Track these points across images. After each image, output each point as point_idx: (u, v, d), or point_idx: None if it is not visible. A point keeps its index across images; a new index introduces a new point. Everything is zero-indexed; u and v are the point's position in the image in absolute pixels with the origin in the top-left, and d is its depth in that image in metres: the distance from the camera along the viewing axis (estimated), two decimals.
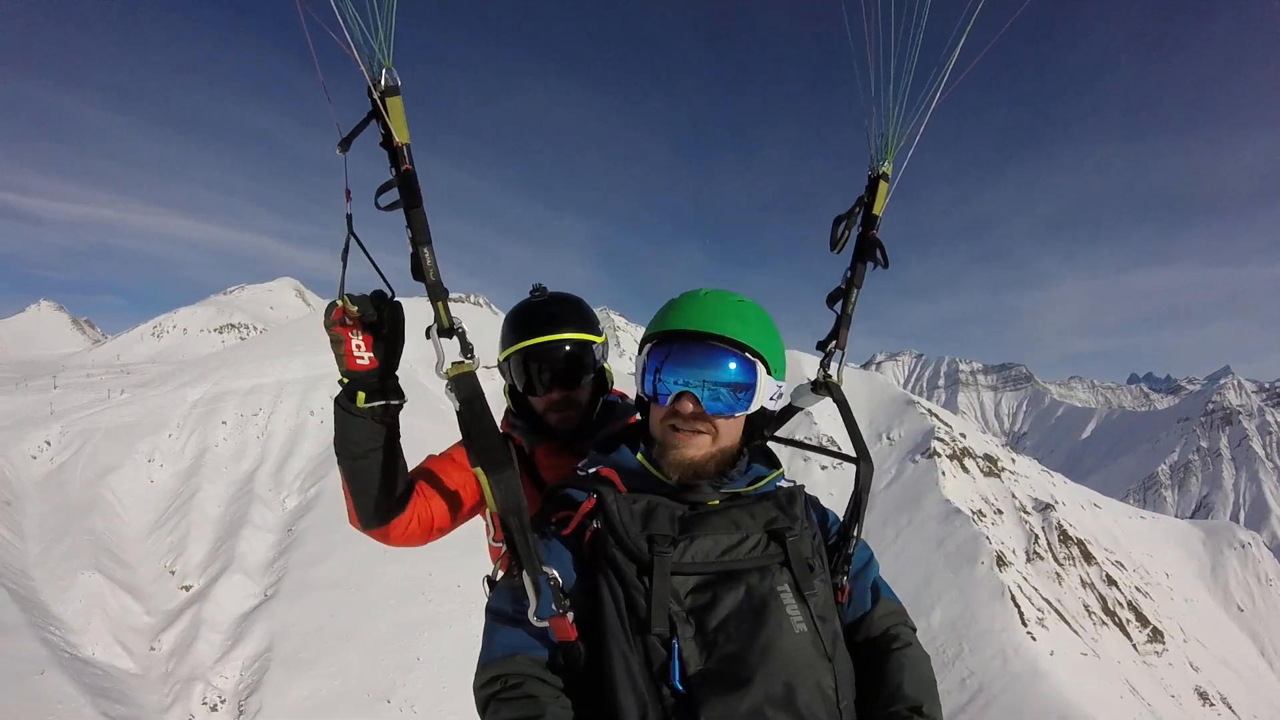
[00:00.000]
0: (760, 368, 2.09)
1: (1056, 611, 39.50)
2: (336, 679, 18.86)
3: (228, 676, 19.38)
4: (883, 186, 2.69)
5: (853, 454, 2.44)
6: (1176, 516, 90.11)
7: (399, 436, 2.39)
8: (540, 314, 2.92)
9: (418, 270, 2.11)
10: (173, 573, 23.06)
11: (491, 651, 1.87)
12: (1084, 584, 45.79)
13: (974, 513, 46.45)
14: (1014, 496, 51.06)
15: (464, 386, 2.11)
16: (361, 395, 2.21)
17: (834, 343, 2.69)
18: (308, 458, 29.45)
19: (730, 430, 2.14)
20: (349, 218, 2.09)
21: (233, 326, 59.71)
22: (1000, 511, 48.66)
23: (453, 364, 2.12)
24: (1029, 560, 44.69)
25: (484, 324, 54.86)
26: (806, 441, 2.83)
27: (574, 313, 2.94)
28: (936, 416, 58.10)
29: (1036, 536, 47.13)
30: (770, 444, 2.48)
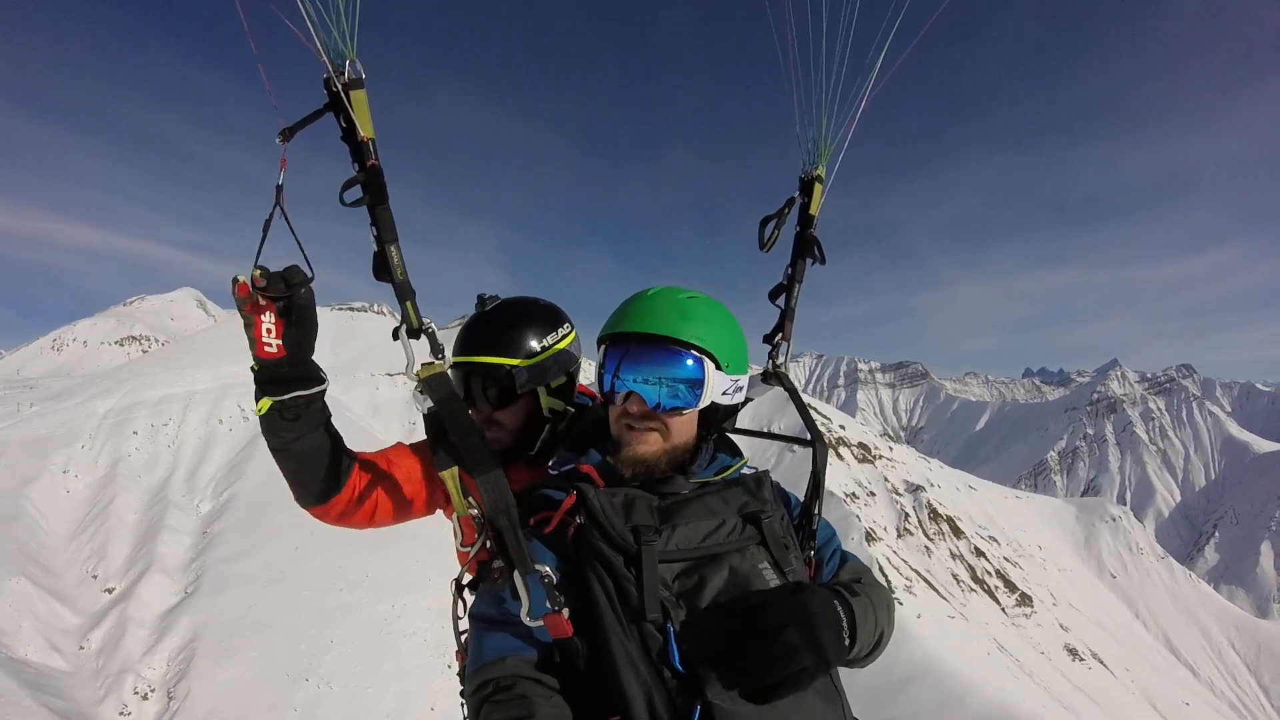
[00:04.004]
0: (709, 364, 2.12)
1: (925, 580, 41.88)
2: (258, 664, 20.02)
3: (155, 668, 20.36)
4: (818, 188, 2.86)
5: (807, 438, 2.52)
6: (1066, 499, 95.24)
7: (323, 423, 2.30)
8: (471, 332, 2.86)
9: (382, 269, 2.08)
10: (95, 577, 23.65)
11: (481, 656, 1.88)
12: (953, 556, 48.53)
13: (846, 495, 49.09)
14: (886, 480, 53.74)
15: (438, 387, 2.10)
16: (263, 404, 2.16)
17: (780, 335, 2.84)
18: (218, 464, 29.77)
19: (681, 427, 2.19)
20: (279, 188, 2.02)
21: (134, 338, 57.94)
22: (873, 494, 51.25)
23: (423, 365, 2.11)
24: (899, 536, 47.26)
25: (389, 332, 55.10)
26: (762, 430, 2.95)
27: (501, 334, 2.82)
28: (816, 410, 60.99)
29: (907, 515, 49.78)
30: (729, 434, 2.54)
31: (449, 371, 2.22)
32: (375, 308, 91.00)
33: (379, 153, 2.05)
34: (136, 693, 19.79)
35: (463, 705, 2.42)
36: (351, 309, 61.23)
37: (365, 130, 2.01)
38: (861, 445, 58.50)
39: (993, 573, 50.62)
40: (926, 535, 49.30)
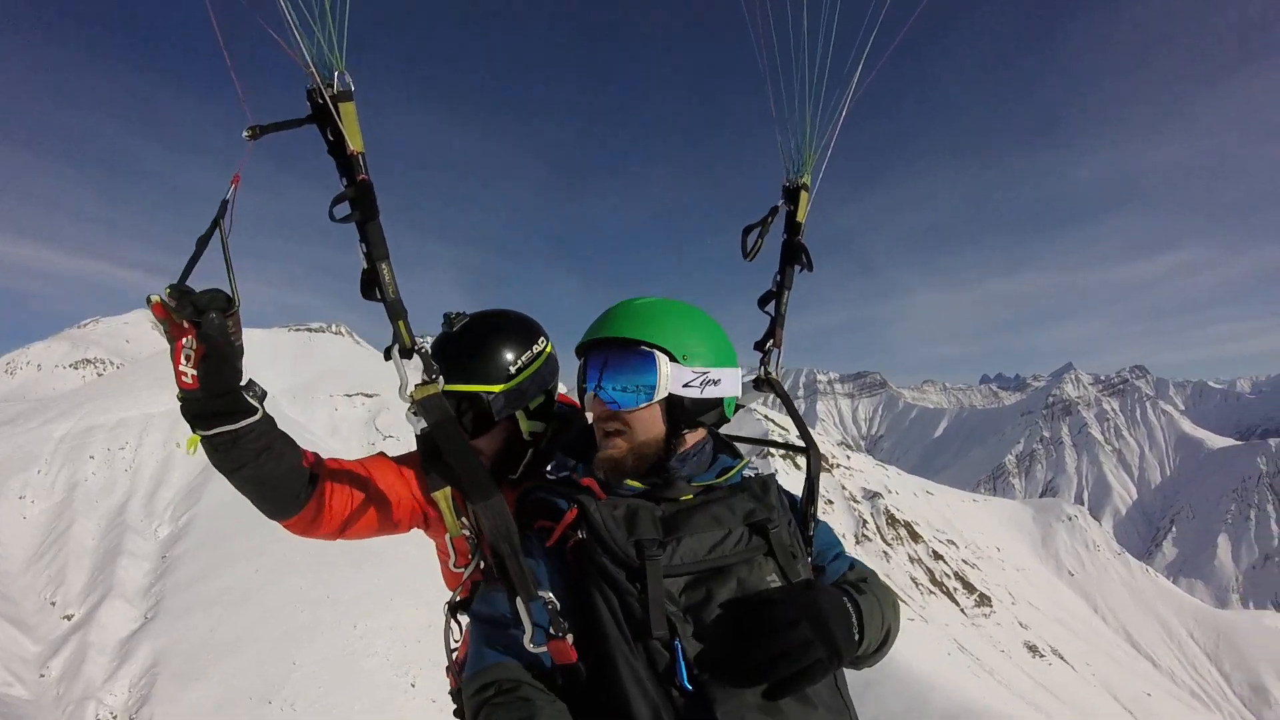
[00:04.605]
0: (660, 357, 2.13)
1: None
2: (220, 687, 19.76)
3: (117, 694, 20.03)
4: (804, 195, 2.86)
5: (801, 444, 2.53)
6: (1024, 500, 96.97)
7: (263, 450, 2.18)
8: (438, 356, 2.70)
9: (371, 287, 2.04)
10: (54, 604, 23.33)
11: (483, 659, 1.85)
12: (912, 560, 49.48)
13: None
14: (844, 488, 54.57)
15: (433, 409, 2.04)
16: (190, 440, 2.10)
17: (771, 341, 2.83)
18: (176, 488, 29.35)
19: (644, 424, 2.16)
20: (224, 203, 1.94)
21: (89, 361, 56.81)
22: (830, 501, 52.05)
23: (417, 385, 2.06)
24: (858, 542, 48.17)
25: (347, 353, 55.03)
26: (755, 437, 2.80)
27: (471, 357, 2.68)
28: (772, 421, 61.30)
29: (865, 521, 50.75)
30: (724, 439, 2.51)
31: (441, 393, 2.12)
32: (333, 328, 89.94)
33: (368, 167, 1.98)
34: (98, 719, 19.56)
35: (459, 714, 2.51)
36: (309, 329, 60.67)
37: (355, 144, 1.96)
38: (794, 437, 59.16)
39: (951, 575, 51.38)
40: (885, 540, 49.98)
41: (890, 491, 58.00)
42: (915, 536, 52.57)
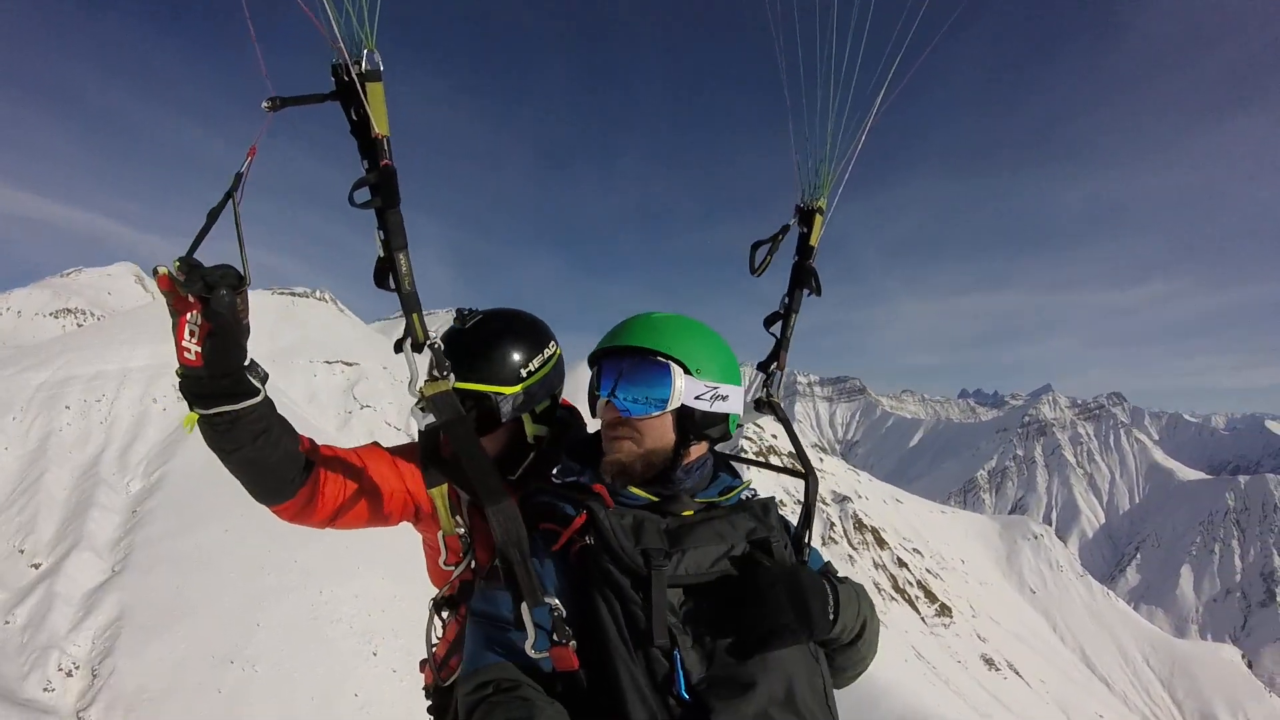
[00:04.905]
0: (675, 369, 2.15)
1: None
2: (184, 643, 19.86)
3: (80, 645, 20.13)
4: (819, 219, 2.84)
5: (799, 468, 2.50)
6: (992, 515, 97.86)
7: (261, 433, 2.09)
8: (449, 352, 2.53)
9: (386, 276, 1.98)
10: (22, 551, 23.34)
11: (482, 658, 1.86)
12: (876, 565, 49.78)
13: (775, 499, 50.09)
14: None
15: (444, 406, 2.01)
16: (189, 417, 2.01)
17: (774, 364, 2.87)
18: (151, 443, 29.09)
19: (655, 432, 2.18)
20: (239, 175, 1.83)
21: (69, 311, 56.34)
22: (800, 501, 52.12)
23: (427, 381, 2.03)
24: (824, 544, 48.28)
25: (329, 320, 54.60)
26: (755, 458, 2.77)
27: (484, 356, 2.63)
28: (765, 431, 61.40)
29: (833, 524, 50.89)
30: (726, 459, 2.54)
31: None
32: (316, 294, 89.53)
33: (393, 152, 1.91)
34: (61, 669, 19.64)
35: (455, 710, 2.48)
36: (293, 294, 60.20)
37: (381, 127, 1.89)
38: (791, 455, 59.03)
39: (914, 583, 51.80)
40: (851, 544, 50.23)
41: (860, 496, 58.36)
42: (881, 543, 52.94)
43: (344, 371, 46.18)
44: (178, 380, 1.95)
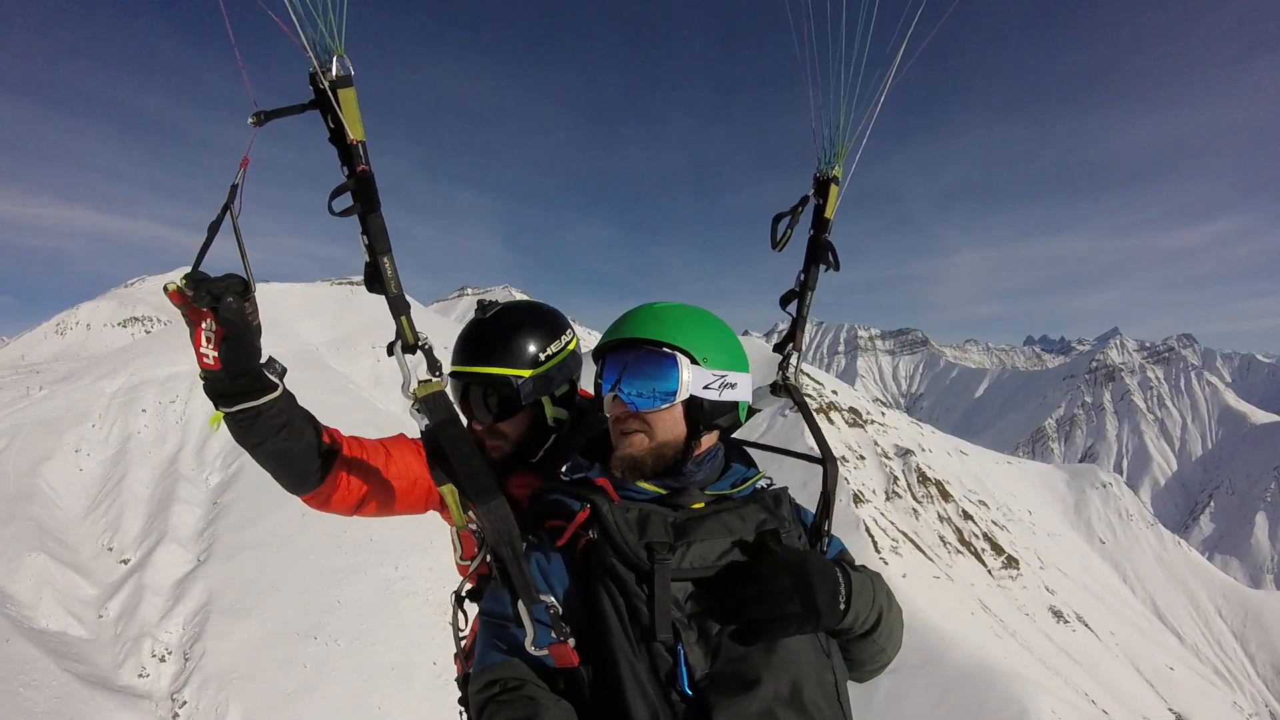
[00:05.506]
0: (681, 359, 2.11)
1: (912, 541, 42.40)
2: (269, 623, 20.90)
3: (171, 631, 21.22)
4: (834, 190, 2.69)
5: (818, 454, 2.44)
6: (1058, 464, 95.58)
7: (283, 426, 2.26)
8: (471, 340, 2.75)
9: (375, 281, 1.99)
10: (110, 549, 24.50)
11: (489, 656, 1.88)
12: (941, 519, 48.64)
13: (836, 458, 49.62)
14: (877, 444, 53.41)
15: (436, 408, 2.02)
16: (215, 416, 2.14)
17: (790, 345, 2.75)
18: (225, 438, 29.82)
19: (665, 425, 2.14)
20: (234, 188, 1.87)
21: (136, 319, 57.23)
22: (862, 457, 50.97)
23: (420, 382, 2.04)
24: (888, 499, 47.33)
25: (365, 304, 55.69)
26: (772, 445, 2.76)
27: (503, 343, 2.70)
28: (808, 375, 60.32)
29: (896, 478, 49.57)
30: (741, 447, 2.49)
31: (447, 387, 2.14)
32: (352, 280, 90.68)
33: (369, 157, 1.90)
34: (154, 655, 20.73)
35: (461, 713, 2.59)
36: (351, 283, 61.21)
37: (355, 133, 1.88)
38: (852, 410, 58.45)
39: (980, 535, 50.95)
40: (915, 498, 49.29)
41: (923, 449, 57.12)
42: (946, 495, 51.78)
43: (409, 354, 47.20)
44: (202, 385, 2.12)
